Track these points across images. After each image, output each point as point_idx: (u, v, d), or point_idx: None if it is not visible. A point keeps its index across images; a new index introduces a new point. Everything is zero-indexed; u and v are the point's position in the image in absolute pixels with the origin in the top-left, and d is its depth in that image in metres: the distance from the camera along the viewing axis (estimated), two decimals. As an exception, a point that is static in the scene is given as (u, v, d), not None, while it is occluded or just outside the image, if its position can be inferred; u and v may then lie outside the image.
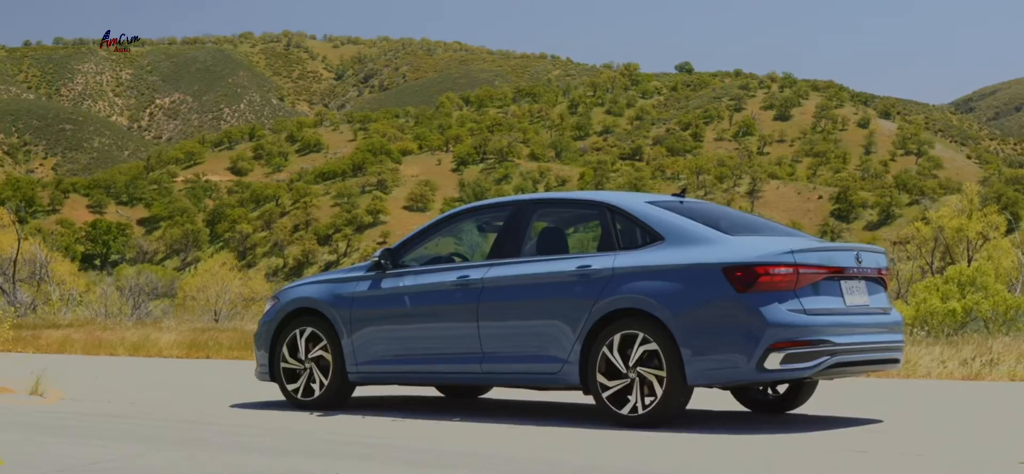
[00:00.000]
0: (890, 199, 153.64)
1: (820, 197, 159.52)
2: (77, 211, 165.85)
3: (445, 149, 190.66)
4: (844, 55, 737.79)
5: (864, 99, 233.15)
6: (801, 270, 8.97)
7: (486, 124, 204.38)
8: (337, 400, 10.88)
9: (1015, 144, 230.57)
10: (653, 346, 9.08)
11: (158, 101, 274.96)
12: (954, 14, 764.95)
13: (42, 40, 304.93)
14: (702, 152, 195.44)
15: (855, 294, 9.40)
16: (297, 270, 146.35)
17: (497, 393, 12.78)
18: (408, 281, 10.55)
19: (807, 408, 10.76)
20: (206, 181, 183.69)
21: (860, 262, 9.48)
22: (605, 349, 9.28)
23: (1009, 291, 41.09)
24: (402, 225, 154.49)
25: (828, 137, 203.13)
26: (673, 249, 9.28)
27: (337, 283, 11.01)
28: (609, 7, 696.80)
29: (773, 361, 8.75)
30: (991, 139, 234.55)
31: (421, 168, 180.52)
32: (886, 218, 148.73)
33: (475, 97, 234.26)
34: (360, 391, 12.64)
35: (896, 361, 9.72)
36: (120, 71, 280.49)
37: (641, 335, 9.14)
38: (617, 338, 9.25)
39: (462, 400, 12.09)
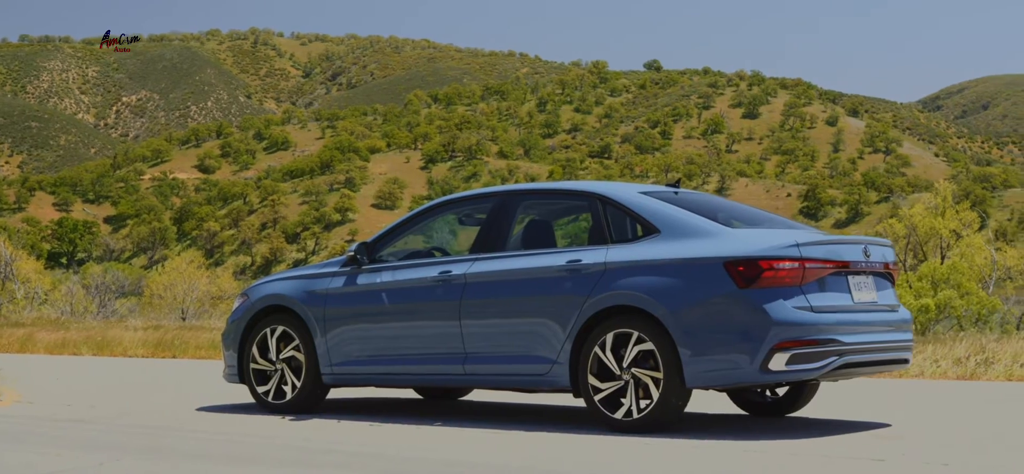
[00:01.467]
0: (858, 197, 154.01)
1: (788, 195, 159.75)
2: (43, 209, 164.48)
3: (413, 147, 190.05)
4: (812, 53, 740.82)
5: (832, 97, 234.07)
6: (807, 265, 8.41)
7: (454, 122, 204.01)
8: (310, 403, 10.27)
9: (982, 142, 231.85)
10: (649, 346, 8.51)
11: (125, 99, 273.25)
12: (921, 12, 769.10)
13: (8, 37, 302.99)
14: (671, 150, 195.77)
15: (863, 290, 8.84)
16: (265, 268, 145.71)
17: (478, 395, 12.19)
18: (386, 277, 9.95)
19: (807, 411, 10.21)
20: (173, 179, 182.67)
21: (868, 256, 8.93)
22: (597, 349, 8.70)
23: (983, 289, 40.87)
24: (370, 223, 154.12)
25: (796, 135, 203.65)
26: (670, 242, 8.71)
27: (310, 279, 10.38)
28: (577, 5, 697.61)
29: (778, 362, 8.20)
30: (958, 137, 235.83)
31: (389, 166, 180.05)
32: (855, 215, 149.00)
33: (443, 95, 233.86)
34: (334, 393, 12.02)
35: (905, 362, 9.17)
36: (86, 69, 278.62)
37: (636, 334, 8.56)
38: (610, 337, 8.67)
39: (442, 402, 11.49)
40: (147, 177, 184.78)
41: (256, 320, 10.55)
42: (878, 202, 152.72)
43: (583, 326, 8.81)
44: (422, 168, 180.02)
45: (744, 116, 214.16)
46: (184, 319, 45.68)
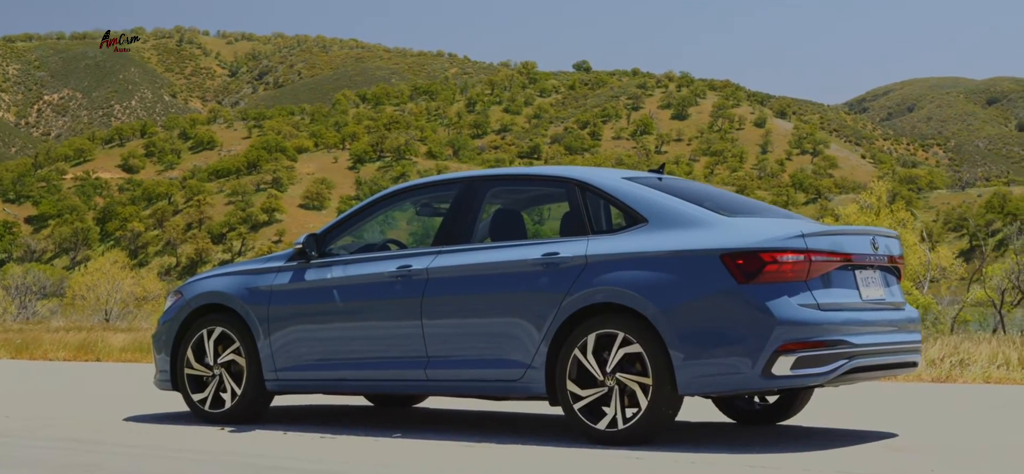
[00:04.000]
0: (787, 198, 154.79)
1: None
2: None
3: (341, 147, 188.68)
4: (740, 55, 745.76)
5: (760, 99, 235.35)
6: (813, 258, 7.51)
7: (383, 122, 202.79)
8: (252, 412, 9.24)
9: (908, 144, 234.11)
10: (636, 348, 7.58)
11: (46, 97, 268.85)
12: (847, 14, 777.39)
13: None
14: (600, 151, 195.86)
15: (871, 286, 7.98)
16: (190, 269, 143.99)
17: (437, 403, 11.21)
18: (337, 272, 8.94)
19: (799, 419, 9.35)
20: (96, 178, 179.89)
21: (876, 248, 8.08)
22: (577, 352, 7.77)
23: (917, 288, 40.57)
24: (298, 223, 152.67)
25: (725, 136, 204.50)
26: (659, 233, 7.79)
27: (253, 275, 9.35)
28: (506, 5, 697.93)
29: (783, 365, 7.29)
30: (884, 139, 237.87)
31: (317, 166, 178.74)
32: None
33: (372, 95, 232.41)
34: (277, 400, 10.99)
35: (914, 364, 8.31)
36: (7, 66, 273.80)
37: (621, 335, 7.64)
38: (592, 339, 7.73)
39: (398, 411, 10.50)
40: (69, 177, 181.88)
41: (191, 320, 9.52)
42: (806, 203, 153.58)
43: (561, 326, 7.88)
44: (350, 168, 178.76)
45: (673, 117, 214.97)
46: (107, 320, 44.47)
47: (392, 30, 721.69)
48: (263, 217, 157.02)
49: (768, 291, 7.36)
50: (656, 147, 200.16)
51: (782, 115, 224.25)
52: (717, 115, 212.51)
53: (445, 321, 8.35)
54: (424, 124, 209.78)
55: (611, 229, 8.12)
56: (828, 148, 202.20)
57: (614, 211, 8.24)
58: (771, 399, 9.03)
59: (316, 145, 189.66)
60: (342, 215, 9.25)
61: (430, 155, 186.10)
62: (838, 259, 7.71)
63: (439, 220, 8.98)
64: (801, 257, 7.47)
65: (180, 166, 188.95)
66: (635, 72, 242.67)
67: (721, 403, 9.19)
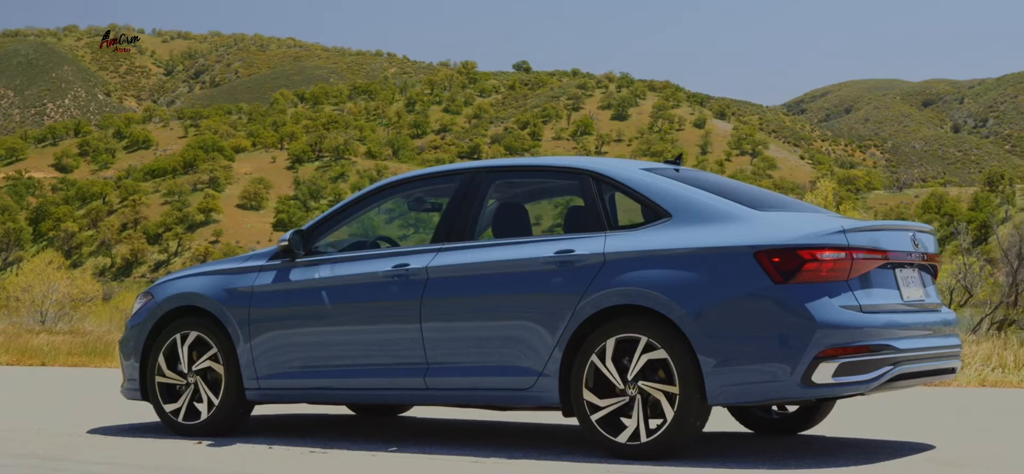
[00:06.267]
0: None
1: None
2: None
3: (280, 146, 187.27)
4: (680, 55, 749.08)
5: (700, 99, 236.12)
6: (855, 255, 6.90)
7: (321, 122, 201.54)
8: (230, 424, 8.49)
9: (846, 145, 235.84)
10: (661, 354, 6.93)
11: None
12: (786, 16, 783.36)
13: None
14: (540, 151, 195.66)
15: (911, 286, 7.37)
16: (125, 269, 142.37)
17: (422, 411, 10.50)
18: (325, 271, 8.22)
19: (821, 429, 8.74)
20: (29, 178, 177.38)
21: (917, 245, 7.49)
22: (595, 358, 7.11)
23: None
24: (235, 223, 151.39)
25: (665, 137, 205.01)
26: (685, 228, 7.14)
27: (231, 274, 8.59)
28: (446, 4, 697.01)
29: (824, 373, 6.65)
30: (823, 140, 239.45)
31: (255, 166, 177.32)
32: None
33: (310, 94, 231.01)
34: (257, 410, 10.20)
35: (953, 370, 7.72)
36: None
37: (644, 340, 6.98)
38: (611, 344, 7.07)
39: (386, 420, 9.76)
40: (1, 176, 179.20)
41: (163, 324, 8.75)
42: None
43: (577, 330, 7.20)
44: (288, 168, 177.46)
45: (613, 118, 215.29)
46: (44, 322, 43.36)
47: (331, 29, 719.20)
48: (200, 217, 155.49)
49: (807, 291, 6.74)
50: (596, 147, 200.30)
51: (721, 116, 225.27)
52: (657, 116, 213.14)
53: (447, 324, 7.67)
54: (363, 124, 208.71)
55: (631, 224, 7.47)
56: (767, 149, 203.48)
57: (634, 205, 7.59)
58: (791, 408, 8.43)
59: (254, 145, 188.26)
60: (330, 209, 8.55)
61: (369, 155, 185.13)
62: (879, 257, 7.10)
63: (434, 216, 8.32)
64: (842, 254, 6.85)
65: (115, 166, 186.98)
66: (575, 72, 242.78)
67: (737, 411, 8.58)
